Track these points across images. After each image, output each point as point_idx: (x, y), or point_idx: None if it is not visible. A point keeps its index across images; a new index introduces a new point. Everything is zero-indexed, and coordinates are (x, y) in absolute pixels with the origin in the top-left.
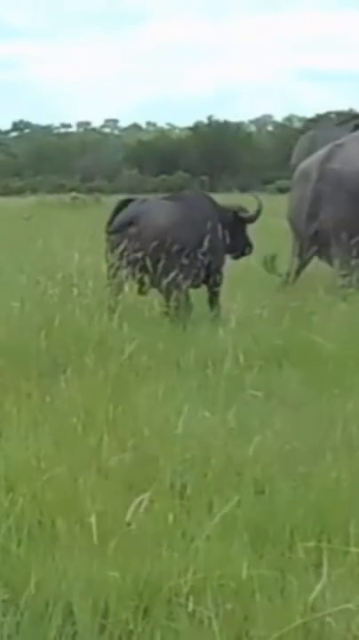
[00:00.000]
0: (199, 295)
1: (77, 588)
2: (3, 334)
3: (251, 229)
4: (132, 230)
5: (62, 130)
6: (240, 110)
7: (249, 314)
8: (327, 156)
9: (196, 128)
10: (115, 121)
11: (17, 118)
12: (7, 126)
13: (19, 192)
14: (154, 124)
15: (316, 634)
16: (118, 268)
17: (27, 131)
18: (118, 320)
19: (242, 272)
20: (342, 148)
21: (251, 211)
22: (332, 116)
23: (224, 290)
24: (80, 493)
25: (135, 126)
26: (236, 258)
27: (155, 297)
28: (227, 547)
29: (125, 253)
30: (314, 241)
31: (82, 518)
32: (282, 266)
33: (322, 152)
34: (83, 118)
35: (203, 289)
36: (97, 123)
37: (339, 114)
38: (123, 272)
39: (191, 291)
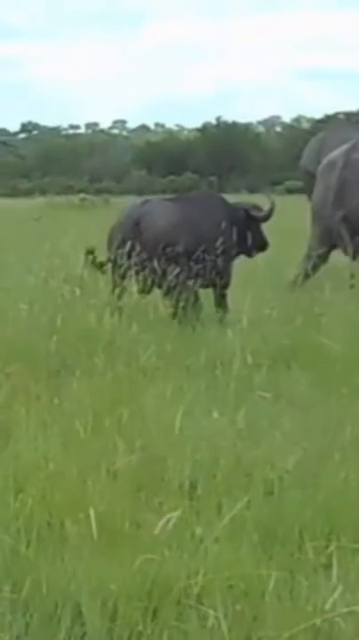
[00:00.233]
0: (207, 296)
1: (86, 590)
2: (12, 335)
3: None
4: (135, 231)
5: (71, 131)
6: (247, 111)
7: (257, 314)
8: (353, 146)
9: (205, 129)
10: (124, 122)
11: (25, 120)
12: (16, 128)
13: (28, 193)
14: (162, 125)
15: (326, 635)
16: (121, 269)
17: (35, 132)
18: (127, 321)
19: (250, 272)
20: None
21: (265, 209)
22: (341, 116)
23: (232, 290)
24: (89, 494)
25: (143, 127)
26: (251, 256)
27: (158, 298)
28: (236, 548)
29: (127, 254)
30: (340, 227)
31: (91, 519)
32: (291, 267)
33: (348, 144)
34: (91, 119)
35: (211, 289)
36: (105, 124)
37: (347, 114)
38: (127, 273)
39: (200, 291)
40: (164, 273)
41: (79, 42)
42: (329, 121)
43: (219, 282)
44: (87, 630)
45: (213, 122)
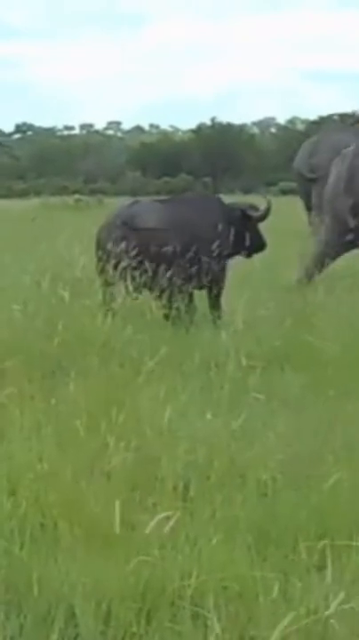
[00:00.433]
0: (201, 297)
1: (80, 591)
2: (6, 336)
3: None
4: (123, 232)
5: (65, 132)
6: (243, 111)
7: (252, 316)
8: None
9: (199, 130)
10: (118, 123)
11: (20, 120)
12: (10, 128)
13: (23, 194)
14: (157, 127)
15: (319, 635)
16: (109, 270)
17: (29, 133)
18: (121, 322)
19: (245, 273)
20: None
21: (261, 209)
22: (335, 117)
23: (227, 291)
24: (83, 495)
25: (138, 128)
26: (248, 256)
27: (152, 299)
28: (229, 549)
29: (115, 255)
30: (346, 216)
31: (84, 520)
32: (286, 268)
33: None
34: (86, 120)
35: (206, 291)
36: (100, 125)
37: (342, 115)
38: (116, 274)
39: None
40: (155, 274)
41: (74, 43)
42: (323, 122)
43: (214, 283)
44: (81, 632)
45: (208, 123)
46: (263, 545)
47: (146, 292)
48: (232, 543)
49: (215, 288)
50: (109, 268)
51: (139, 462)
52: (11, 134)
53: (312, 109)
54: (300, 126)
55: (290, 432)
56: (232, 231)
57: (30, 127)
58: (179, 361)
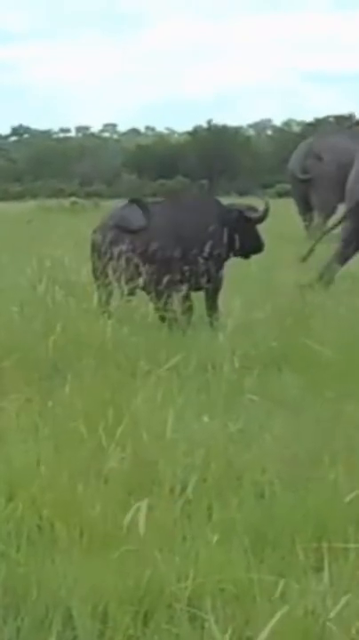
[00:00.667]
0: (198, 298)
1: (77, 593)
2: (4, 338)
3: None
4: (113, 233)
5: (61, 135)
6: (240, 113)
7: (248, 318)
8: None
9: (195, 132)
10: (114, 125)
11: (16, 123)
12: (6, 131)
13: (19, 197)
14: (153, 129)
15: (317, 637)
16: (105, 273)
17: (26, 136)
18: (118, 324)
19: (241, 275)
20: None
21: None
22: (331, 119)
23: (224, 293)
24: (80, 498)
25: (134, 131)
26: (246, 257)
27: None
28: (227, 551)
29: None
30: None
31: (81, 523)
32: (282, 270)
33: None
34: (82, 123)
35: (203, 292)
36: (96, 127)
37: (338, 117)
38: (111, 276)
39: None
40: (150, 276)
41: (69, 45)
42: (319, 124)
43: (210, 285)
44: (78, 634)
45: (204, 125)
46: (260, 547)
47: (142, 294)
48: (229, 545)
49: (212, 289)
50: (104, 270)
51: (136, 464)
52: (7, 137)
53: (308, 111)
54: (296, 128)
55: (287, 434)
56: (229, 232)
57: (27, 130)
58: (176, 363)
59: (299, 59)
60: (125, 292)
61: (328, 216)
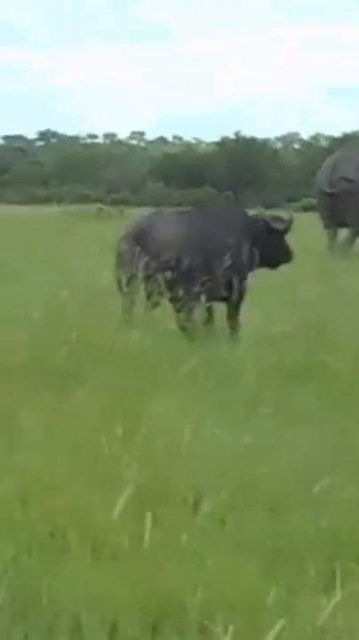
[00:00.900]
0: (219, 310)
1: (86, 602)
2: (22, 345)
3: None
4: (139, 242)
5: (89, 140)
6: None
7: (269, 331)
8: None
9: (223, 143)
10: (142, 133)
11: (44, 127)
12: (34, 135)
13: (45, 201)
14: (180, 138)
15: None
16: (129, 281)
17: (53, 140)
18: (139, 333)
19: (263, 289)
20: None
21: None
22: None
23: (245, 306)
24: (93, 507)
25: (161, 139)
26: (274, 267)
27: (170, 310)
28: (238, 564)
29: (135, 266)
30: None
31: (94, 531)
32: (305, 284)
33: None
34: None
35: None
36: (123, 134)
37: None
38: (135, 285)
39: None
40: (173, 285)
41: (100, 53)
42: (347, 139)
43: (233, 296)
44: None
45: (232, 136)
46: (272, 561)
47: (165, 303)
48: (241, 558)
49: (234, 301)
50: (129, 278)
51: (151, 475)
52: (34, 141)
53: (336, 126)
54: (324, 143)
55: (303, 449)
56: (254, 243)
57: (54, 134)
58: (196, 374)
59: (328, 73)
60: (149, 300)
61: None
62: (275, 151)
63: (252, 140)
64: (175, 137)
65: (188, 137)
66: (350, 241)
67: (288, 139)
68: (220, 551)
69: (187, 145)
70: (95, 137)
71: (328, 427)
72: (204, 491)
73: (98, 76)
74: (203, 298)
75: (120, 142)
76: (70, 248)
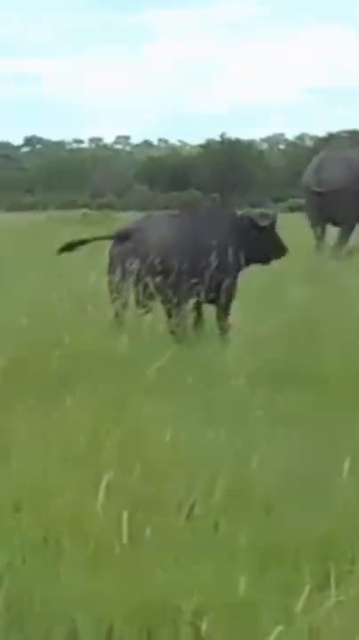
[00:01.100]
0: (208, 312)
1: (82, 608)
2: (12, 350)
3: None
4: (129, 246)
5: (74, 145)
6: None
7: (256, 332)
8: None
9: (208, 145)
10: (127, 137)
11: (29, 134)
12: (19, 141)
13: (31, 208)
14: (165, 141)
15: None
16: (119, 285)
17: (39, 146)
18: (129, 337)
19: (251, 289)
20: None
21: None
22: (344, 135)
23: (233, 306)
24: (86, 512)
25: (147, 143)
26: (266, 263)
27: (159, 314)
28: (233, 567)
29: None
30: None
31: (87, 537)
32: (292, 284)
33: None
34: (95, 134)
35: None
36: (109, 139)
37: (351, 132)
38: (125, 289)
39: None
40: (163, 289)
41: (84, 57)
42: (332, 139)
43: (223, 297)
44: None
45: (217, 139)
46: (265, 564)
47: (156, 307)
48: (234, 562)
49: (224, 302)
50: (120, 282)
51: (143, 479)
52: (20, 147)
53: (321, 126)
54: (309, 143)
55: (294, 450)
56: (241, 242)
57: (39, 140)
58: (183, 376)
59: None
60: (140, 304)
61: (350, 229)
62: (261, 152)
63: (237, 142)
64: (160, 140)
65: (174, 140)
66: (341, 241)
67: (273, 139)
68: (215, 554)
69: (173, 148)
70: (81, 142)
71: (319, 428)
72: (197, 494)
73: (82, 81)
74: (192, 300)
75: (105, 147)
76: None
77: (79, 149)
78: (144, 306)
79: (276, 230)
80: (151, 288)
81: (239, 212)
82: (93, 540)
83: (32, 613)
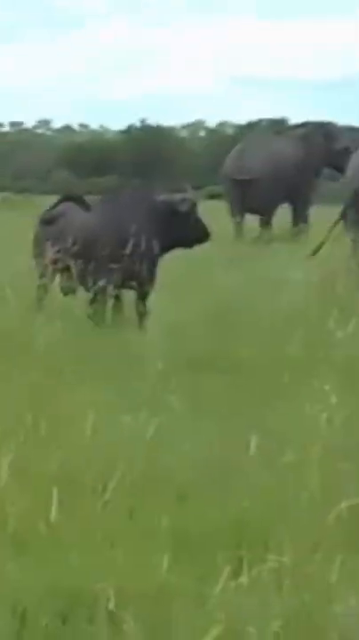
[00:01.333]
0: (128, 297)
1: None
2: None
3: None
4: (52, 230)
5: None
6: (174, 115)
7: (176, 319)
8: None
9: (129, 131)
10: (48, 122)
11: None
12: None
13: None
14: (86, 126)
15: None
16: (43, 269)
17: None
18: (45, 323)
19: (169, 276)
20: None
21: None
22: (264, 123)
23: (152, 293)
24: (1, 497)
25: (68, 128)
26: (190, 247)
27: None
28: (148, 552)
29: (48, 254)
30: None
31: (2, 522)
32: (211, 270)
33: None
34: (15, 118)
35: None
36: (29, 123)
37: (271, 121)
38: (48, 273)
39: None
40: (83, 273)
41: (13, 43)
42: (252, 127)
43: (142, 283)
44: None
45: (138, 125)
46: (180, 550)
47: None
48: (150, 547)
49: (143, 288)
50: (43, 265)
51: (59, 465)
52: None
53: (241, 114)
54: (230, 131)
55: (210, 437)
56: (163, 228)
57: None
58: (102, 362)
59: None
60: (61, 288)
61: (270, 217)
62: (182, 139)
63: (158, 128)
64: (81, 125)
65: (95, 125)
66: (264, 229)
67: (194, 126)
68: (129, 539)
69: (94, 133)
70: (1, 126)
71: (235, 415)
72: (113, 479)
73: (3, 65)
74: (112, 285)
75: (26, 131)
76: None
77: None
78: (66, 291)
79: (199, 215)
80: (73, 273)
81: (159, 198)
82: (9, 525)
83: None
